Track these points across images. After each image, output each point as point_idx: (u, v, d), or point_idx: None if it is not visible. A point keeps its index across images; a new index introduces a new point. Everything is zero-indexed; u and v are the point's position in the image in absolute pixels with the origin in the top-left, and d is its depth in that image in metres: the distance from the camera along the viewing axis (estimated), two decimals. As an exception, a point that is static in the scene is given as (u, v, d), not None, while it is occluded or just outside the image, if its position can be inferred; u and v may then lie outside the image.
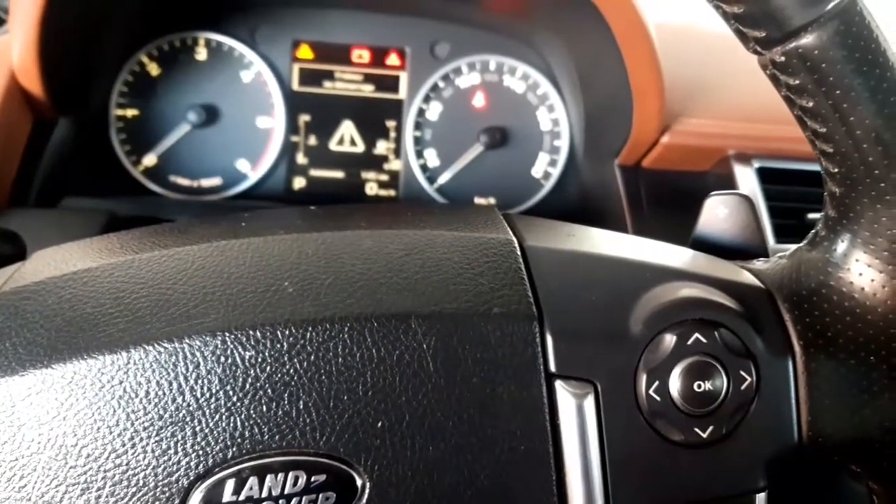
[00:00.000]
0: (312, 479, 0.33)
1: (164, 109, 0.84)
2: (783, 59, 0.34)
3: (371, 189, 0.88)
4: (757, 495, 0.37)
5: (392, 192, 0.88)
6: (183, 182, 0.84)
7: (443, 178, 0.87)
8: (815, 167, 0.74)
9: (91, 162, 0.82)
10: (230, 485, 0.33)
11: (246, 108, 0.85)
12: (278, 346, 0.33)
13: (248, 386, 0.33)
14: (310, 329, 0.33)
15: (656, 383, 0.36)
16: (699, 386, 0.36)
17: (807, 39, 0.33)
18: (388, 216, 0.42)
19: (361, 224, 0.39)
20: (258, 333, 0.33)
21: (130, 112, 0.84)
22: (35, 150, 0.75)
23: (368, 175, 0.88)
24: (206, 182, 0.85)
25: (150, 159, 0.84)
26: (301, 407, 0.33)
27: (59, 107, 0.75)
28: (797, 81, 0.35)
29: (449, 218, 0.42)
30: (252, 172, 0.85)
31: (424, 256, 0.37)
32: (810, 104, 0.35)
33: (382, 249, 0.37)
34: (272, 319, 0.33)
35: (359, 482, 0.33)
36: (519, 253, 0.38)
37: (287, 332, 0.33)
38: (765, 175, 0.73)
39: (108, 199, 0.76)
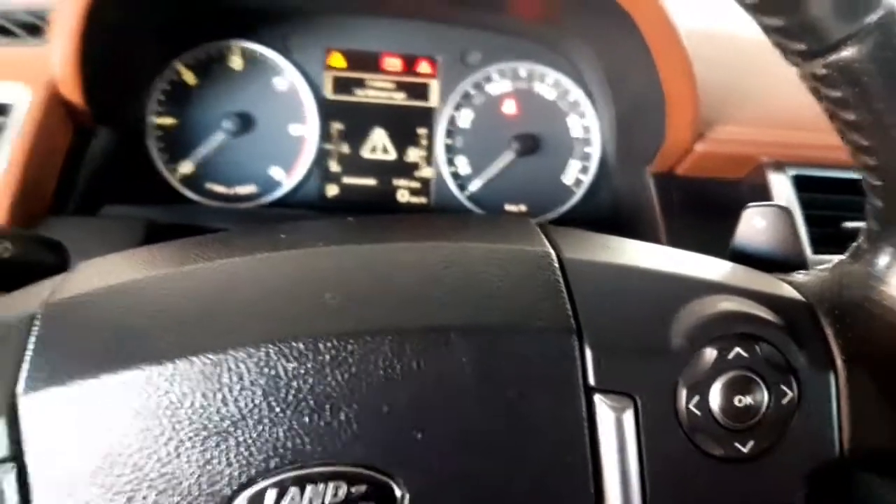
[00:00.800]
0: (353, 489, 0.33)
1: (199, 118, 0.85)
2: (824, 71, 0.34)
3: (403, 196, 0.88)
4: None
5: (423, 200, 0.88)
6: (219, 189, 0.85)
7: (474, 186, 0.87)
8: (851, 175, 0.73)
9: (129, 170, 0.83)
10: (272, 494, 0.33)
11: (279, 116, 0.86)
12: (320, 358, 0.34)
13: (290, 397, 0.33)
14: (351, 342, 0.34)
15: (696, 398, 0.35)
16: (740, 400, 0.35)
17: (847, 52, 0.33)
18: (425, 228, 0.42)
19: (400, 236, 0.40)
20: (301, 345, 0.34)
21: (167, 121, 0.85)
22: (75, 159, 0.76)
23: (400, 182, 0.88)
24: (242, 189, 0.86)
25: (186, 167, 0.85)
26: (342, 418, 0.33)
27: (99, 116, 0.77)
28: (838, 94, 0.34)
29: (485, 229, 0.42)
30: (286, 180, 0.86)
31: (463, 269, 0.37)
32: (852, 117, 0.35)
33: (422, 262, 0.37)
34: (314, 332, 0.34)
35: (398, 493, 0.34)
36: (557, 265, 0.38)
37: (329, 345, 0.34)
38: (800, 183, 0.72)
39: (147, 206, 0.77)
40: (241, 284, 0.36)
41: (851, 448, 0.37)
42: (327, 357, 0.34)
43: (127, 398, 0.33)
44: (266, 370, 0.33)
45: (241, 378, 0.33)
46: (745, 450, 0.36)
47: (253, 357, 0.33)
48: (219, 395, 0.33)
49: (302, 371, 0.33)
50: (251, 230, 0.42)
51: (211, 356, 0.33)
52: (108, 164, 0.80)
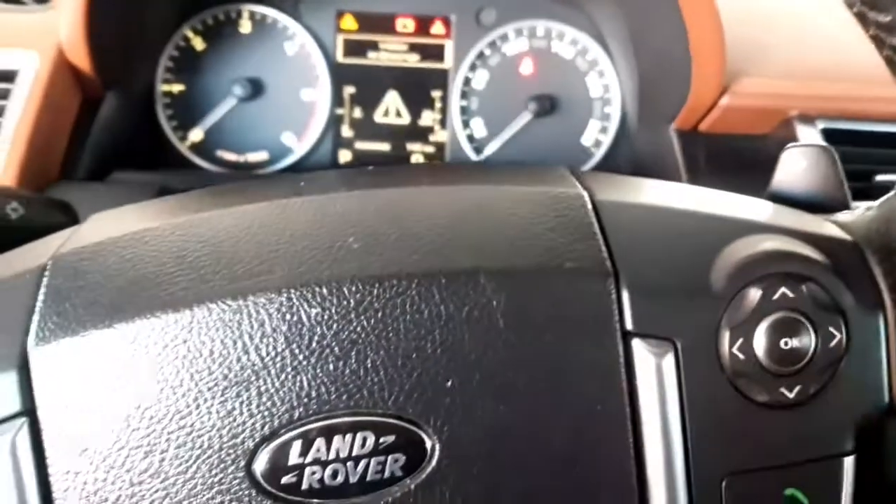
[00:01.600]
0: (381, 440, 0.32)
1: (209, 84, 0.83)
2: None
3: (417, 160, 0.86)
4: (845, 459, 0.35)
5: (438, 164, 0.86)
6: (230, 157, 0.84)
7: (490, 149, 0.85)
8: (883, 127, 0.71)
9: (138, 137, 0.82)
10: (297, 446, 0.32)
11: (290, 81, 0.84)
12: (345, 303, 0.32)
13: (314, 344, 0.32)
14: (377, 286, 0.32)
15: (740, 341, 0.34)
16: (786, 343, 0.33)
17: None
18: (450, 173, 0.40)
19: (424, 181, 0.38)
20: (324, 290, 0.32)
21: (176, 87, 0.83)
22: (83, 125, 0.75)
23: (414, 147, 0.86)
24: (253, 156, 0.84)
25: (196, 134, 0.83)
26: (368, 366, 0.32)
27: (107, 82, 0.75)
28: (888, 18, 0.32)
29: (514, 173, 0.40)
30: (298, 146, 0.84)
31: (492, 211, 0.36)
32: None
33: (448, 205, 0.36)
34: (338, 276, 0.32)
35: (428, 444, 0.32)
36: (590, 207, 0.36)
37: (353, 289, 0.32)
38: (830, 136, 0.69)
39: (156, 173, 0.76)
40: (261, 230, 0.35)
41: None
42: (352, 302, 0.32)
43: (142, 348, 0.32)
44: (288, 316, 0.32)
45: (262, 325, 0.32)
46: (791, 395, 0.34)
47: (274, 303, 0.32)
48: (239, 343, 0.32)
49: (326, 317, 0.32)
50: (269, 180, 0.40)
51: (230, 302, 0.32)
52: (117, 130, 0.78)
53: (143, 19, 0.79)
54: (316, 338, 0.32)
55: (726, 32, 0.70)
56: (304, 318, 0.32)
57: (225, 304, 0.32)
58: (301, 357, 0.32)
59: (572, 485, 0.33)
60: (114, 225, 0.37)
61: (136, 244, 0.35)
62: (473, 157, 0.85)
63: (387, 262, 0.33)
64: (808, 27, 0.76)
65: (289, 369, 0.32)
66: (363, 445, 0.32)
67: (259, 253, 0.33)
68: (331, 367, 0.32)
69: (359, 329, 0.32)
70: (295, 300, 0.32)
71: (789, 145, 0.43)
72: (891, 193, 0.38)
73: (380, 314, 0.32)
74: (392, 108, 0.86)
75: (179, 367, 0.32)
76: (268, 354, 0.32)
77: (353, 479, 0.32)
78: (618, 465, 0.33)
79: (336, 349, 0.32)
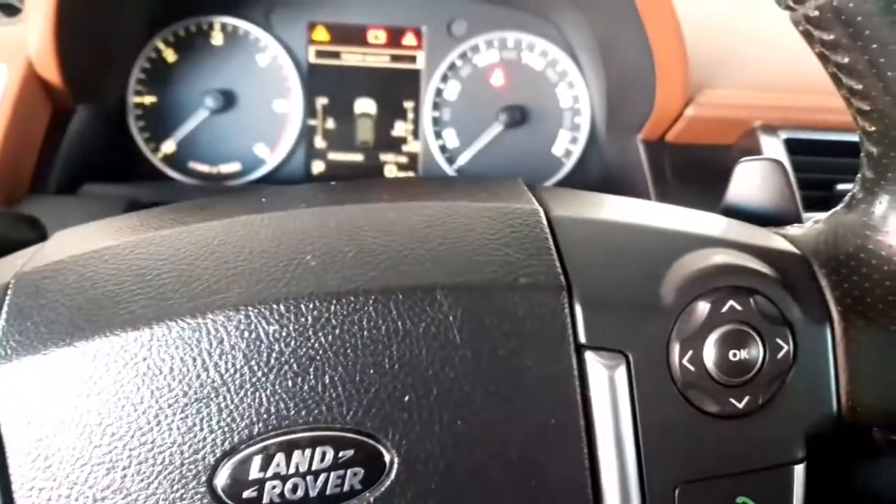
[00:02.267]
0: (340, 454, 0.32)
1: (181, 95, 0.84)
2: (817, 13, 0.33)
3: (390, 171, 0.87)
4: (795, 467, 0.36)
5: (411, 174, 0.87)
6: (202, 168, 0.84)
7: (462, 159, 0.86)
8: (844, 137, 0.72)
9: (110, 150, 0.82)
10: (257, 461, 0.32)
11: (263, 92, 0.85)
12: (302, 319, 0.32)
13: (272, 361, 0.32)
14: (334, 302, 0.33)
15: (690, 353, 0.35)
16: (734, 355, 0.34)
17: None
18: (409, 188, 0.41)
19: (383, 197, 0.39)
20: (281, 307, 0.32)
21: (148, 99, 0.84)
22: (54, 138, 0.75)
23: (387, 157, 0.87)
24: (225, 168, 0.84)
25: (168, 146, 0.84)
26: (327, 381, 0.32)
27: (77, 95, 0.75)
28: (831, 37, 0.33)
29: (472, 189, 0.41)
30: (270, 157, 0.85)
31: (448, 227, 0.36)
32: (845, 60, 0.34)
33: (405, 221, 0.36)
34: (295, 293, 0.33)
35: (387, 457, 0.33)
36: (545, 222, 0.37)
37: (311, 306, 0.33)
38: (792, 146, 0.71)
39: (128, 186, 0.76)
40: (220, 247, 0.35)
41: (849, 403, 0.37)
42: (309, 318, 0.33)
43: (103, 365, 0.32)
44: (246, 333, 0.32)
45: (220, 342, 0.32)
46: (740, 405, 0.35)
47: (232, 320, 0.32)
48: (198, 361, 0.32)
49: (284, 334, 0.32)
50: (231, 195, 0.41)
51: (189, 320, 0.32)
52: (88, 143, 0.78)
53: (113, 31, 0.79)
54: (274, 354, 0.32)
55: (691, 45, 0.71)
56: (263, 335, 0.32)
57: (184, 321, 0.32)
58: (260, 373, 0.32)
59: (529, 496, 0.34)
60: (76, 243, 0.37)
61: (96, 262, 0.35)
62: (446, 167, 0.86)
63: (344, 279, 0.33)
64: (770, 40, 0.78)
65: (248, 385, 0.32)
66: (322, 460, 0.32)
67: (218, 271, 0.34)
68: (289, 382, 0.32)
69: (317, 345, 0.32)
70: (253, 317, 0.32)
71: (742, 159, 0.44)
72: (837, 207, 0.39)
73: (337, 330, 0.33)
74: (365, 119, 0.86)
75: (140, 384, 0.32)
76: (227, 371, 0.32)
77: (312, 493, 0.32)
78: (573, 476, 0.34)
79: (294, 365, 0.32)
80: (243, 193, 0.42)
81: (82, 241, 0.37)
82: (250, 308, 0.32)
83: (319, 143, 0.86)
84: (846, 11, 0.32)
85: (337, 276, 0.34)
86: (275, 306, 0.32)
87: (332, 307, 0.33)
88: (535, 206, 0.38)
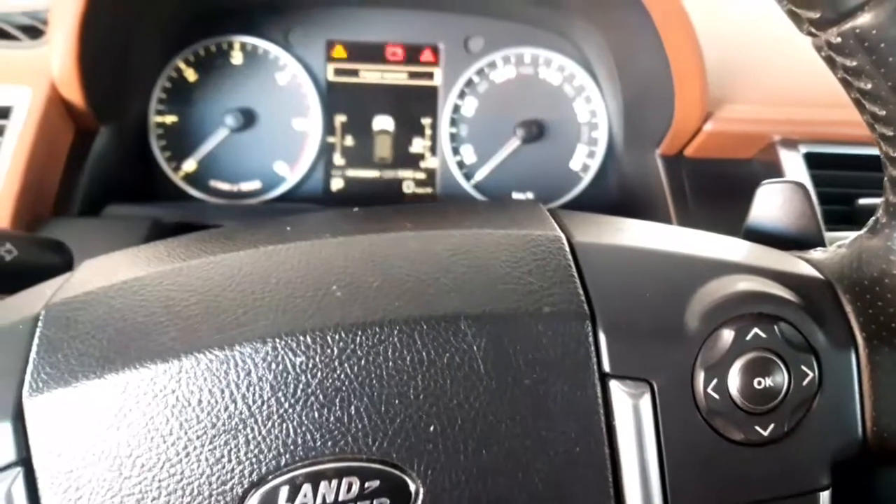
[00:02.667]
0: (366, 485, 0.33)
1: (202, 115, 0.85)
2: (839, 40, 0.33)
3: (408, 188, 0.87)
4: (820, 494, 0.36)
5: (429, 190, 0.87)
6: (223, 186, 0.85)
7: (480, 175, 0.86)
8: (865, 151, 0.72)
9: (132, 169, 0.83)
10: (284, 492, 0.32)
11: (282, 111, 0.85)
12: (328, 350, 0.33)
13: (299, 392, 0.33)
14: (359, 333, 0.33)
15: (715, 381, 0.34)
16: (759, 382, 0.34)
17: (864, 19, 0.31)
18: (432, 216, 0.41)
19: (406, 225, 0.39)
20: (308, 339, 0.33)
21: (169, 119, 0.84)
22: (77, 159, 0.76)
23: (405, 174, 0.87)
24: (246, 186, 0.85)
25: (190, 165, 0.85)
26: (353, 412, 0.33)
27: (100, 116, 0.76)
28: (854, 63, 0.33)
29: (494, 215, 0.41)
30: (290, 174, 0.85)
31: (471, 256, 0.36)
32: (868, 86, 0.34)
33: (429, 250, 0.37)
34: (321, 324, 0.33)
35: (412, 487, 0.33)
36: (568, 249, 0.37)
37: (337, 337, 0.33)
38: (812, 160, 0.71)
39: (150, 205, 0.77)
40: (247, 278, 0.35)
41: (875, 429, 0.36)
42: (335, 350, 0.33)
43: (133, 398, 0.33)
44: (273, 365, 0.33)
45: (248, 374, 0.33)
46: (765, 433, 0.35)
47: (260, 352, 0.33)
48: (226, 392, 0.33)
49: (310, 365, 0.33)
50: (256, 224, 0.41)
51: (217, 352, 0.33)
52: (111, 163, 0.79)
53: (135, 52, 0.80)
54: (301, 385, 0.33)
55: (709, 59, 0.71)
56: (290, 367, 0.33)
57: (212, 353, 0.33)
58: (287, 405, 0.33)
59: None
60: (104, 273, 0.38)
61: (125, 294, 0.36)
62: (464, 183, 0.86)
63: (369, 310, 0.34)
64: (789, 53, 0.78)
65: (275, 417, 0.32)
66: (349, 490, 0.33)
67: (245, 302, 0.34)
68: (316, 414, 0.33)
69: (342, 376, 0.33)
70: (280, 349, 0.33)
71: (764, 182, 0.44)
72: (861, 231, 0.39)
73: (363, 361, 0.33)
74: (383, 136, 0.87)
75: (169, 416, 0.33)
76: (254, 403, 0.32)
77: (339, 524, 0.33)
78: None
79: (321, 396, 0.33)
80: (268, 220, 0.42)
81: (110, 272, 0.38)
82: (277, 339, 0.33)
83: (338, 160, 0.87)
84: (869, 38, 0.32)
85: (362, 307, 0.34)
86: (301, 337, 0.33)
87: (358, 338, 0.33)
88: (558, 233, 0.38)
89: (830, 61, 0.35)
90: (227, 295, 0.35)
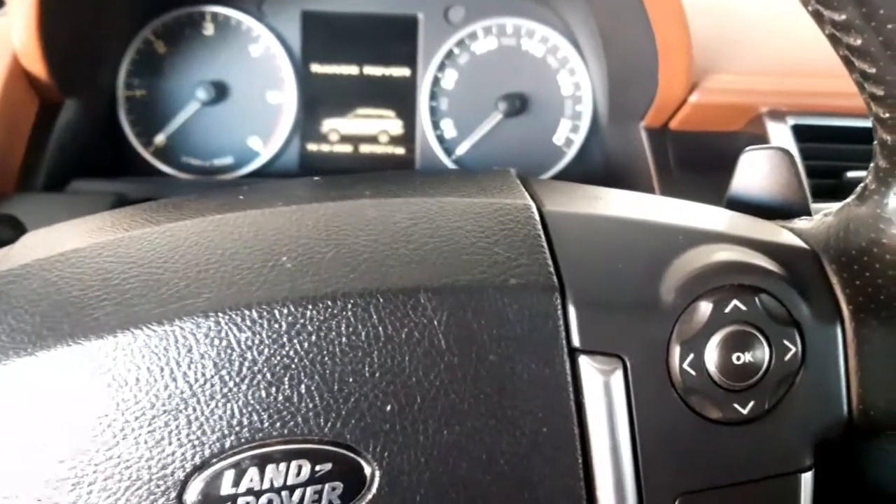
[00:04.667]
0: (317, 468, 0.30)
1: (172, 88, 0.82)
2: None
3: (387, 163, 0.85)
4: (802, 475, 0.34)
5: (409, 166, 0.85)
6: (195, 162, 0.82)
7: (461, 149, 0.84)
8: (855, 122, 0.70)
9: (100, 144, 0.80)
10: (229, 476, 0.30)
11: (256, 84, 0.82)
12: (276, 326, 0.31)
13: (244, 370, 0.30)
14: (310, 307, 0.31)
15: (691, 356, 0.32)
16: (738, 358, 0.32)
17: None
18: (395, 184, 0.39)
19: (366, 193, 0.37)
20: (254, 313, 0.31)
21: (139, 92, 0.82)
22: (42, 133, 0.73)
23: (385, 149, 0.85)
24: (218, 161, 0.82)
25: (160, 139, 0.82)
26: (303, 391, 0.31)
27: (65, 88, 0.73)
28: (843, 17, 0.31)
29: (461, 184, 0.39)
30: (264, 149, 0.83)
31: (434, 225, 0.34)
32: (858, 42, 0.31)
33: (388, 219, 0.34)
34: (269, 298, 0.31)
35: (367, 470, 0.31)
36: (538, 219, 0.35)
37: (285, 311, 0.31)
38: (801, 133, 0.68)
39: (117, 181, 0.74)
40: (191, 249, 0.33)
41: (861, 406, 0.34)
42: (284, 325, 0.31)
43: (66, 376, 0.30)
44: (217, 341, 0.30)
45: (189, 351, 0.30)
46: (745, 411, 0.33)
47: (202, 327, 0.30)
48: (166, 370, 0.30)
49: (256, 341, 0.31)
50: (208, 193, 0.39)
51: (155, 327, 0.30)
52: (78, 138, 0.76)
53: (101, 23, 0.77)
54: (247, 363, 0.30)
55: (695, 29, 0.68)
56: (234, 343, 0.30)
57: (150, 329, 0.30)
58: (231, 383, 0.30)
59: None
60: (44, 245, 0.36)
61: (62, 266, 0.33)
62: (444, 158, 0.84)
63: (321, 282, 0.31)
64: (776, 22, 0.75)
65: (219, 396, 0.30)
66: (298, 474, 0.30)
67: (188, 274, 0.32)
68: (263, 393, 0.30)
69: (291, 353, 0.31)
70: (223, 324, 0.30)
71: (748, 148, 0.41)
72: (849, 199, 0.37)
73: (314, 337, 0.31)
74: (360, 109, 0.84)
75: (104, 395, 0.30)
76: (196, 381, 0.30)
77: (288, 510, 0.30)
78: (567, 488, 0.32)
79: (268, 374, 0.30)
80: (223, 190, 0.40)
81: (50, 244, 0.36)
82: (220, 314, 0.30)
83: (315, 134, 0.84)
84: None
85: (314, 279, 0.32)
86: (247, 312, 0.31)
87: (308, 312, 0.31)
88: (527, 202, 0.36)
89: (818, 16, 0.33)
90: (168, 267, 0.32)
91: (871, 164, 0.35)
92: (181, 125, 0.81)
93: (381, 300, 0.31)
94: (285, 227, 0.34)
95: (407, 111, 0.84)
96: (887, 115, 0.32)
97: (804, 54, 0.71)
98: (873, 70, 0.31)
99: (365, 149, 0.84)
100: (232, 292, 0.31)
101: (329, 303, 0.31)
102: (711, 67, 0.71)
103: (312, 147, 0.84)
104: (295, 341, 0.31)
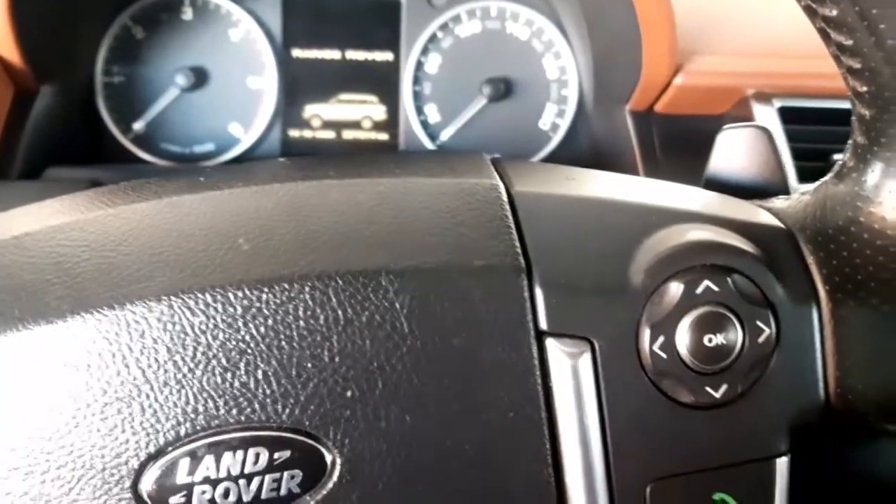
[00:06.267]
0: (275, 455, 0.30)
1: (151, 74, 0.80)
2: None
3: (370, 148, 0.84)
4: (778, 460, 0.33)
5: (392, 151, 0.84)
6: (174, 149, 0.81)
7: (445, 135, 0.83)
8: (842, 104, 0.69)
9: (78, 132, 0.79)
10: (184, 464, 0.29)
11: (236, 69, 0.81)
12: (231, 309, 0.30)
13: (199, 355, 0.29)
14: (266, 290, 0.30)
15: (661, 338, 0.32)
16: (710, 340, 0.31)
17: None
18: (361, 166, 0.38)
19: (330, 174, 0.36)
20: (208, 297, 0.30)
21: (117, 78, 0.80)
22: (17, 121, 0.72)
23: (367, 134, 0.83)
24: (199, 148, 0.81)
25: (139, 126, 0.81)
26: (259, 377, 0.30)
27: (40, 75, 0.72)
28: (835, 12, 0.30)
29: (429, 164, 0.38)
30: (245, 136, 0.82)
31: (398, 206, 0.33)
32: (834, 13, 0.30)
33: (351, 200, 0.33)
34: (224, 280, 0.30)
35: (328, 458, 0.30)
36: (506, 199, 0.34)
37: (240, 294, 0.30)
38: (787, 115, 0.67)
39: (93, 168, 0.73)
40: (145, 231, 0.32)
41: (838, 390, 0.34)
42: (239, 308, 0.30)
43: (16, 362, 0.29)
44: (170, 325, 0.29)
45: (142, 335, 0.29)
46: (717, 395, 0.32)
47: (154, 311, 0.29)
48: (118, 356, 0.29)
49: (211, 325, 0.30)
50: (169, 175, 0.38)
51: (106, 311, 0.29)
52: (55, 125, 0.75)
53: (77, 8, 0.76)
54: (201, 348, 0.30)
55: (679, 10, 0.67)
56: (188, 327, 0.29)
57: (101, 313, 0.29)
58: (185, 369, 0.29)
59: (487, 497, 0.31)
60: (-2, 229, 0.35)
61: (14, 251, 0.32)
62: (428, 143, 0.83)
63: (278, 265, 0.30)
64: (762, 3, 0.74)
65: (172, 382, 0.29)
66: (256, 462, 0.30)
67: (140, 257, 0.31)
68: (218, 379, 0.30)
69: (247, 337, 0.30)
70: (176, 308, 0.29)
71: (725, 126, 0.40)
72: (826, 177, 0.36)
73: (270, 321, 0.30)
74: (343, 94, 0.83)
75: (55, 382, 0.29)
76: (149, 367, 0.29)
77: (246, 498, 0.30)
78: (534, 474, 0.31)
79: (223, 360, 0.30)
80: (180, 173, 0.39)
81: (3, 228, 0.35)
82: (173, 298, 0.30)
83: (296, 120, 0.83)
84: None
85: (271, 261, 0.31)
86: (200, 295, 0.30)
87: (265, 295, 0.30)
88: (495, 182, 0.35)
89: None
90: (121, 250, 0.31)
91: (850, 141, 0.34)
92: (160, 112, 0.80)
93: (341, 282, 0.30)
94: (244, 209, 0.33)
95: (390, 96, 0.83)
96: (864, 88, 0.31)
97: (790, 35, 0.70)
98: (850, 42, 0.30)
99: (348, 135, 0.83)
100: (186, 275, 0.30)
101: (286, 285, 0.30)
102: (696, 49, 0.70)
103: (294, 133, 0.83)
104: (251, 325, 0.30)
